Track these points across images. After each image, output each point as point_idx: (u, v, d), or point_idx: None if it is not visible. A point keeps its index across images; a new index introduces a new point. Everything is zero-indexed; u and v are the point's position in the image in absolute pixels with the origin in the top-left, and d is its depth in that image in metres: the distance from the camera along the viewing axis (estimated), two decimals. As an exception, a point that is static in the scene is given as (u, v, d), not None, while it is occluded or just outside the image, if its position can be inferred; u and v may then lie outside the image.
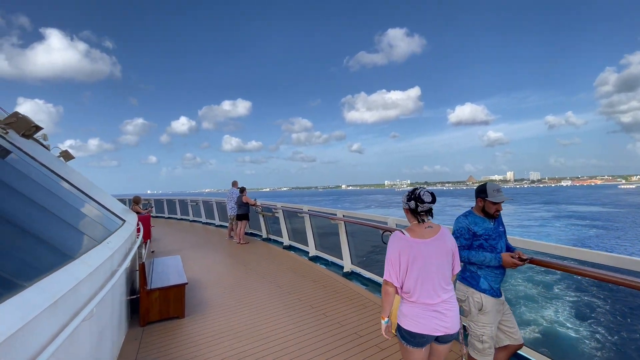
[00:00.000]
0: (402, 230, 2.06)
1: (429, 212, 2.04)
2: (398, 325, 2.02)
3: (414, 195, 2.04)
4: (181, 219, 15.22)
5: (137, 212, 7.49)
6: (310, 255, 6.82)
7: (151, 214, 9.67)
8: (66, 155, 8.37)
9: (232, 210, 9.11)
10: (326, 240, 6.96)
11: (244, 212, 8.62)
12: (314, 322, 3.78)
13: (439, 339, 1.96)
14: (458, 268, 2.11)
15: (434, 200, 2.01)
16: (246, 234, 9.44)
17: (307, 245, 7.05)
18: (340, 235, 5.75)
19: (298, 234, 7.81)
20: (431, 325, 1.90)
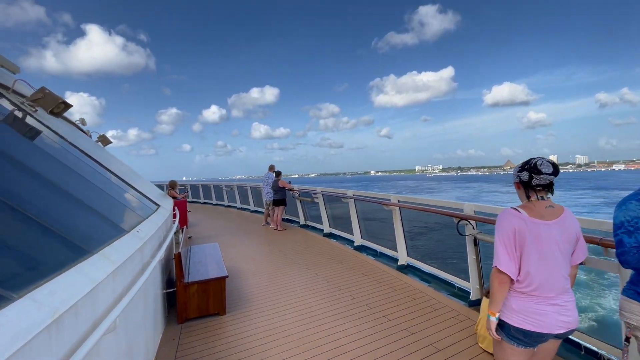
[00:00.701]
0: (516, 207, 1.69)
1: (549, 187, 1.66)
2: (502, 322, 1.68)
3: (528, 166, 1.66)
4: (216, 204, 15.21)
5: (173, 197, 7.23)
6: (355, 244, 6.21)
7: (187, 199, 9.49)
8: (104, 140, 8.27)
9: (268, 195, 8.67)
10: (372, 228, 6.33)
11: (281, 197, 8.14)
12: (377, 327, 3.17)
13: (556, 336, 1.64)
14: (582, 257, 1.70)
15: (555, 173, 1.61)
16: (283, 220, 9.01)
17: (351, 233, 6.44)
18: (394, 222, 5.07)
19: (339, 220, 7.22)
20: (552, 321, 1.59)
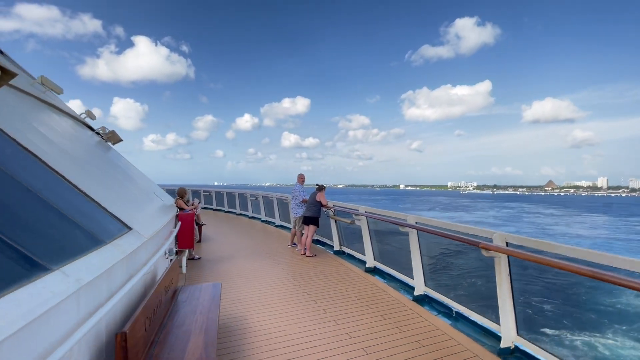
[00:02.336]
0: None
1: None
2: None
3: None
4: (240, 214, 13.98)
5: (181, 209, 5.92)
6: (416, 293, 4.46)
7: (196, 211, 8.17)
8: (113, 137, 7.20)
9: (296, 210, 7.16)
10: (439, 268, 4.59)
11: (314, 214, 6.58)
12: None
13: None
14: None
15: None
16: (313, 241, 7.44)
17: (409, 275, 4.72)
18: (498, 276, 3.20)
19: (389, 253, 5.55)
20: None
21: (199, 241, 8.04)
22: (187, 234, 5.50)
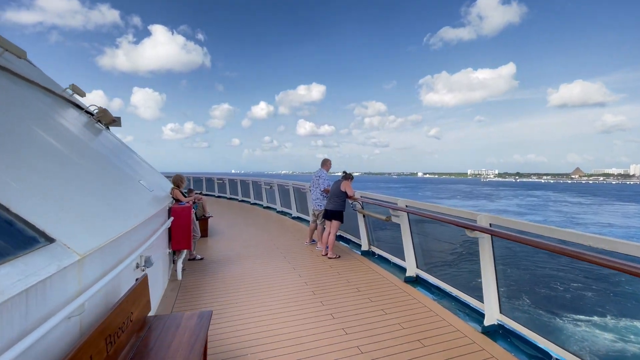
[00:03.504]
0: None
1: None
2: None
3: None
4: (254, 204, 13.04)
5: (177, 200, 4.88)
6: (487, 322, 3.15)
7: (194, 203, 7.11)
8: (104, 116, 6.26)
9: (317, 202, 6.01)
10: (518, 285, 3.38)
11: (338, 207, 5.42)
12: None
13: None
14: None
15: None
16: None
17: (477, 296, 3.50)
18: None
19: (432, 256, 4.34)
20: None
21: (205, 236, 7.07)
22: (183, 231, 4.46)
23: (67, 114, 4.96)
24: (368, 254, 5.63)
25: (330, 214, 5.45)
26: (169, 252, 4.45)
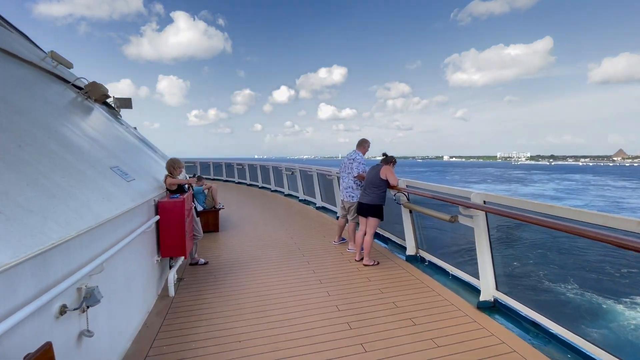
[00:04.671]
0: None
1: None
2: None
3: None
4: (275, 191, 12.04)
5: (171, 191, 3.79)
6: None
7: (199, 196, 6.06)
8: (93, 91, 5.28)
9: (349, 192, 4.78)
10: None
11: (376, 200, 4.16)
12: None
13: None
14: None
15: None
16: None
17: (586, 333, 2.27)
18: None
19: (526, 274, 3.06)
20: None
21: (216, 230, 6.06)
22: (175, 233, 3.39)
23: (44, 89, 3.97)
24: (415, 260, 4.37)
25: (366, 209, 4.20)
26: (158, 260, 3.41)
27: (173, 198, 3.50)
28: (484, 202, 3.05)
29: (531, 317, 2.76)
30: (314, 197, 8.70)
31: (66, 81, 5.29)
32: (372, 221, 4.18)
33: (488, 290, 3.10)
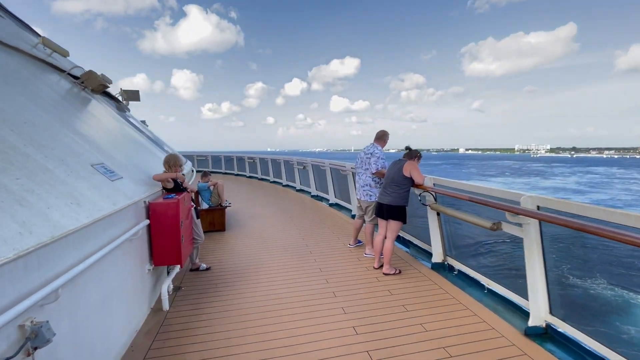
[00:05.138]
0: None
1: None
2: None
3: None
4: (287, 186, 11.63)
5: (167, 190, 3.37)
6: None
7: (205, 192, 5.65)
8: (89, 80, 4.92)
9: (366, 190, 4.26)
10: None
11: (398, 201, 3.62)
12: None
13: None
14: None
15: None
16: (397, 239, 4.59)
17: None
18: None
19: (592, 297, 2.52)
20: None
21: (222, 230, 5.67)
22: (168, 239, 2.97)
23: (34, 80, 3.61)
24: (442, 268, 3.83)
25: (387, 211, 3.68)
26: (150, 270, 3.01)
27: (167, 198, 3.07)
28: (538, 207, 2.50)
29: (596, 351, 2.22)
30: (327, 193, 8.21)
31: (61, 70, 4.94)
32: (394, 225, 3.66)
33: (539, 313, 2.55)
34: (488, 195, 2.86)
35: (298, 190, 10.46)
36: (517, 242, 2.69)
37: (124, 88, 9.94)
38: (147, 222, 2.81)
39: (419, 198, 3.80)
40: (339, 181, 7.68)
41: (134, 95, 10.53)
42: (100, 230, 2.11)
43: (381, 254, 3.87)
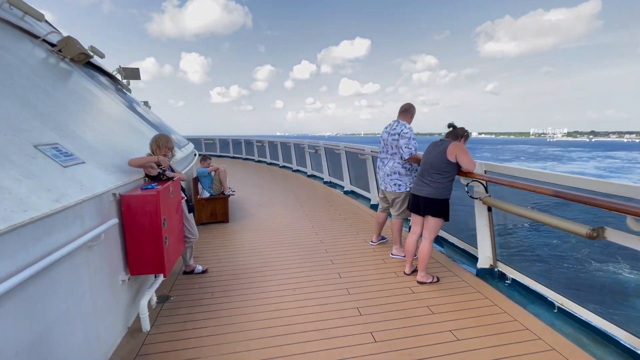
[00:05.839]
0: None
1: None
2: None
3: None
4: (297, 171, 10.95)
5: (150, 177, 2.69)
6: None
7: (205, 178, 4.94)
8: (67, 48, 4.21)
9: (394, 179, 3.50)
10: None
11: (441, 193, 2.82)
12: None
13: None
14: None
15: None
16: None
17: None
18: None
19: None
20: None
21: (225, 221, 5.02)
22: (146, 242, 2.30)
23: (41, 59, 2.93)
24: (490, 276, 3.10)
25: (425, 205, 2.93)
26: (126, 280, 2.35)
27: (145, 189, 2.38)
28: None
29: None
30: (342, 180, 7.48)
31: (35, 36, 4.24)
32: (433, 222, 2.91)
33: None
34: (583, 189, 2.07)
35: (309, 176, 9.76)
36: (627, 257, 1.92)
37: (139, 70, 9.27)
38: (116, 221, 2.13)
39: (466, 189, 3.03)
40: (355, 166, 6.91)
41: (133, 73, 9.78)
42: (29, 239, 1.44)
43: (414, 255, 3.15)
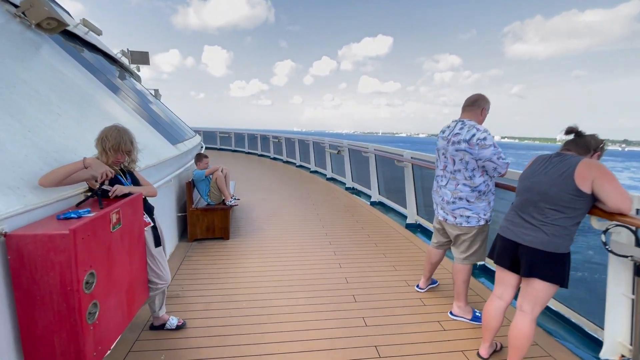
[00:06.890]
0: None
1: None
2: None
3: None
4: (314, 172, 9.90)
5: (94, 191, 1.69)
6: None
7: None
8: (34, 13, 3.28)
9: (460, 207, 2.35)
10: None
11: (562, 245, 1.64)
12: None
13: None
14: None
15: None
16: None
17: None
18: None
19: None
20: None
21: (225, 238, 4.01)
22: (53, 313, 1.29)
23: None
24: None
25: (531, 260, 1.78)
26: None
27: (63, 219, 1.37)
28: None
29: None
30: (369, 188, 6.36)
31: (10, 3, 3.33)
32: (543, 289, 1.76)
33: None
34: None
35: (329, 179, 8.68)
36: None
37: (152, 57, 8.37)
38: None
39: (603, 238, 1.86)
40: (386, 174, 5.78)
41: (142, 57, 8.92)
42: None
43: (496, 331, 2.03)
